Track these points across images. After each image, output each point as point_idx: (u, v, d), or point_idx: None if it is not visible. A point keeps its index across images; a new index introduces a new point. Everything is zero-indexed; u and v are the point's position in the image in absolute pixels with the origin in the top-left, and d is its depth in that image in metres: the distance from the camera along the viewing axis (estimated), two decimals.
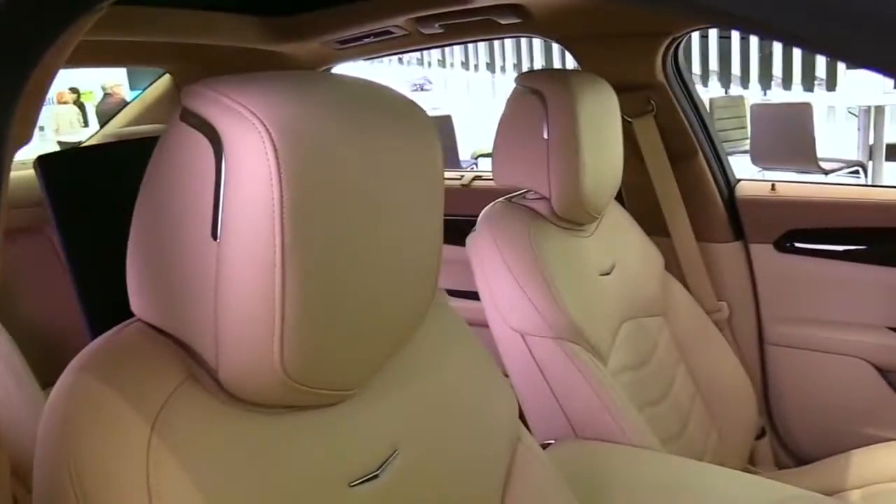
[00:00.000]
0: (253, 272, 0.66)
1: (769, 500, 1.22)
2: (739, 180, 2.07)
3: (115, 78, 9.61)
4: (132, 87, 10.10)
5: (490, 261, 1.47)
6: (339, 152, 0.69)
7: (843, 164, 5.13)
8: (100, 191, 0.96)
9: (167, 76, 2.54)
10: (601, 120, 1.53)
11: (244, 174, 0.65)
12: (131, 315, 0.76)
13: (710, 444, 1.76)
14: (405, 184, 0.77)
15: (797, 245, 1.96)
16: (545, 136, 1.47)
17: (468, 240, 1.54)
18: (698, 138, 1.98)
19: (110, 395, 0.68)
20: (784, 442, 2.05)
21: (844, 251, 1.92)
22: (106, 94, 9.37)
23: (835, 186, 1.99)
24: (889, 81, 5.54)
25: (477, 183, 2.36)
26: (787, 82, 8.95)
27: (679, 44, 1.90)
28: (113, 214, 0.84)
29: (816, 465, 1.83)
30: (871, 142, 5.46)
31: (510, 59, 11.02)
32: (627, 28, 1.86)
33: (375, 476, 0.82)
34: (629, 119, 1.92)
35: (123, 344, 0.74)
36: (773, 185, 1.99)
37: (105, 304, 0.87)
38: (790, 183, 2.03)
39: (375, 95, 0.77)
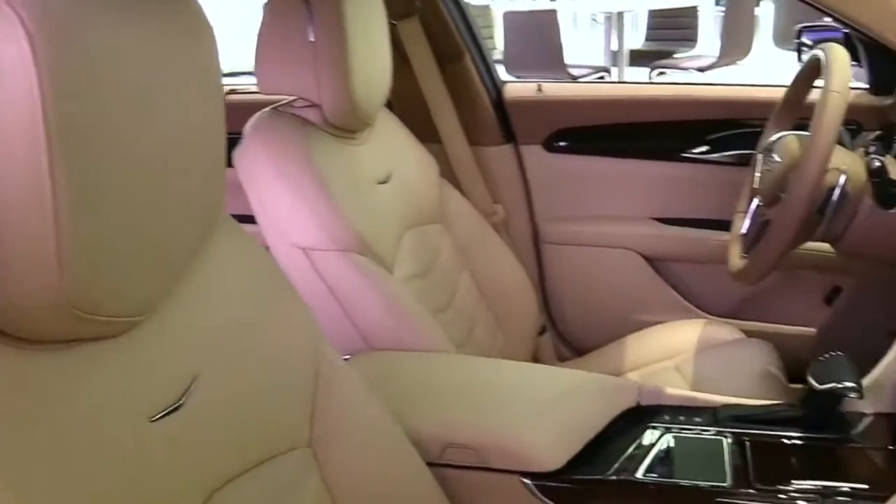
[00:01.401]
0: (17, 180, 0.57)
1: (569, 384, 1.24)
2: (506, 82, 2.06)
3: None
4: None
5: (263, 175, 1.37)
6: (104, 40, 0.63)
7: (589, 70, 5.37)
8: None
9: None
10: (367, 20, 1.45)
11: None
12: None
13: (496, 345, 1.78)
14: (180, 78, 0.70)
15: (565, 144, 2.00)
16: (311, 38, 1.37)
17: (235, 155, 1.42)
18: (464, 39, 1.95)
19: None
20: (563, 336, 2.12)
21: (609, 147, 1.98)
22: None
23: (599, 85, 2.05)
24: None
25: (233, 97, 2.21)
26: None
27: None
28: None
29: (594, 354, 1.92)
30: (614, 48, 5.74)
31: None
32: None
33: (177, 408, 0.75)
34: (393, 21, 1.85)
35: None
36: (539, 86, 2.01)
37: None
38: (556, 83, 2.05)
39: None
